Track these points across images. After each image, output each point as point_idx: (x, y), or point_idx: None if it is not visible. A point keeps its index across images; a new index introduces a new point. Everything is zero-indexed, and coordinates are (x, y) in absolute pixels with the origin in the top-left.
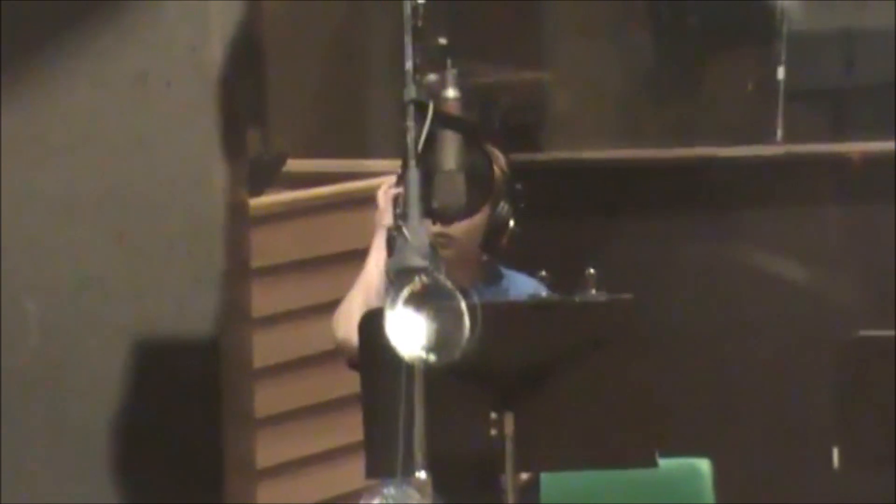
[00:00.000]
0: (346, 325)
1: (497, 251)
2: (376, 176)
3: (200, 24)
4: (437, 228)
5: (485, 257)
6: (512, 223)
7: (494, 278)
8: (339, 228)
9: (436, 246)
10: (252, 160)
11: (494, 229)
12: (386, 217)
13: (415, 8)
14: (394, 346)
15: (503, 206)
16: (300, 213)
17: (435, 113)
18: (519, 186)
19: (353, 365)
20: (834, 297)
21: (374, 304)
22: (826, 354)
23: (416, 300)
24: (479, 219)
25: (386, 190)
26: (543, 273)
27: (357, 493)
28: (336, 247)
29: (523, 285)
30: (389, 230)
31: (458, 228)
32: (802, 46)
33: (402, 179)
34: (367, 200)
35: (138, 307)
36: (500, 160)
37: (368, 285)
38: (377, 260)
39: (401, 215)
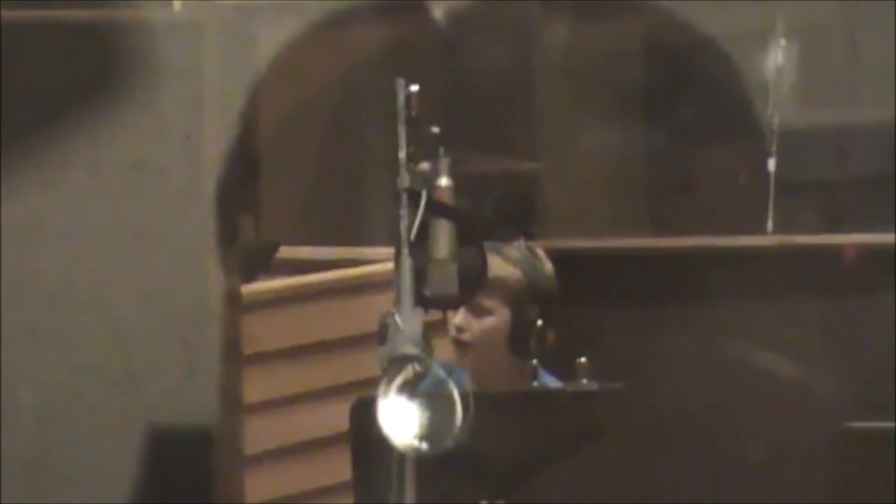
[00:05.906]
0: None
1: (528, 354)
2: (369, 263)
3: (195, 112)
4: (453, 333)
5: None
6: (540, 323)
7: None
8: (331, 316)
9: (456, 349)
10: (245, 247)
11: (519, 332)
12: None
13: (408, 96)
14: (386, 434)
15: (526, 308)
16: (292, 300)
17: (428, 201)
18: (550, 288)
19: None
20: (824, 389)
21: None
22: (817, 446)
23: (409, 388)
24: (496, 322)
25: None
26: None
27: None
28: (328, 334)
29: None
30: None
31: (474, 335)
32: (794, 139)
33: None
34: (359, 288)
35: (132, 395)
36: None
37: None
38: None
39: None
